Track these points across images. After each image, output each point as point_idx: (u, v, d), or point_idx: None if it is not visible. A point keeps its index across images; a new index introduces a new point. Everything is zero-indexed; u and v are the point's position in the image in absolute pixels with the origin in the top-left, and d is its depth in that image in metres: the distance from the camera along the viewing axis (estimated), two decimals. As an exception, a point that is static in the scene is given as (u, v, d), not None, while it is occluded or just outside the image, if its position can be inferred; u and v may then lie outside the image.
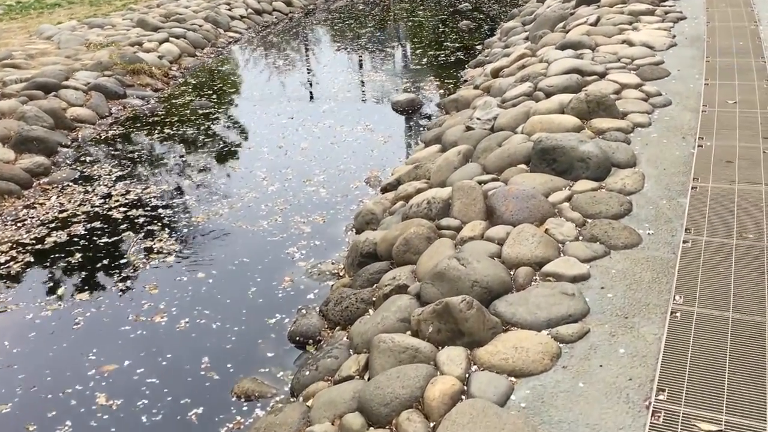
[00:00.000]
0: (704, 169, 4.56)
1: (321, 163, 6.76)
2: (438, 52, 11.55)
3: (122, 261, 5.06)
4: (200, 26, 13.91)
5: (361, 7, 17.96)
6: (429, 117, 8.17)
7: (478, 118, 6.20)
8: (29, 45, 11.87)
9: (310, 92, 9.57)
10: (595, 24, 8.41)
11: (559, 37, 8.39)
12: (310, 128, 7.92)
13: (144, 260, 5.03)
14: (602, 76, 6.45)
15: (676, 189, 4.32)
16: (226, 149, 7.36)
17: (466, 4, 16.36)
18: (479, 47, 11.72)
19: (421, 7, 16.94)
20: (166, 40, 12.23)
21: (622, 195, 4.30)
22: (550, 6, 11.56)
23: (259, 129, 8.04)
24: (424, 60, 11.07)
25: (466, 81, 9.54)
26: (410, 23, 14.85)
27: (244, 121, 8.41)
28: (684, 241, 3.76)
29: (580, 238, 3.90)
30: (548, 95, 6.16)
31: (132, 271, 4.89)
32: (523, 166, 4.93)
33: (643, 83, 6.18)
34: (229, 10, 15.67)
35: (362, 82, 9.89)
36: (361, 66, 11.01)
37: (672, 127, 5.24)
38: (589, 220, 4.07)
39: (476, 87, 8.20)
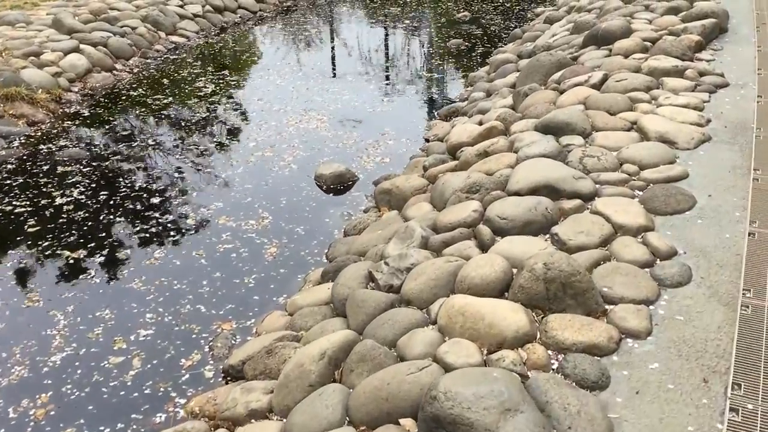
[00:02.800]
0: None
1: (160, 299, 4.65)
2: (408, 87, 9.37)
3: None
4: (133, 29, 11.80)
5: (344, 9, 15.73)
6: (357, 205, 6.03)
7: (386, 263, 4.05)
8: None
9: (221, 147, 7.44)
10: (599, 86, 6.20)
11: (548, 102, 6.20)
12: (180, 218, 5.81)
13: None
14: (588, 199, 4.29)
15: None
16: (37, 257, 5.25)
17: (465, 14, 14.07)
18: (463, 81, 9.51)
19: (412, 14, 14.68)
20: (76, 50, 10.13)
21: None
22: (555, 36, 9.31)
23: (113, 217, 5.90)
24: (386, 99, 8.89)
25: (427, 141, 7.38)
26: (392, 36, 12.61)
27: (104, 196, 6.28)
28: None
29: None
30: (497, 233, 4.05)
31: None
32: (408, 424, 2.80)
33: (649, 225, 3.99)
34: (182, 7, 13.54)
35: (294, 131, 7.75)
36: (303, 102, 8.86)
37: (687, 344, 3.09)
38: None
39: (425, 170, 6.03)
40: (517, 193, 4.40)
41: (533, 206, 4.09)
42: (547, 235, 4.00)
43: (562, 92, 6.46)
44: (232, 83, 9.69)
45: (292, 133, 7.76)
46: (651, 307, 3.34)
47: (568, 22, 10.05)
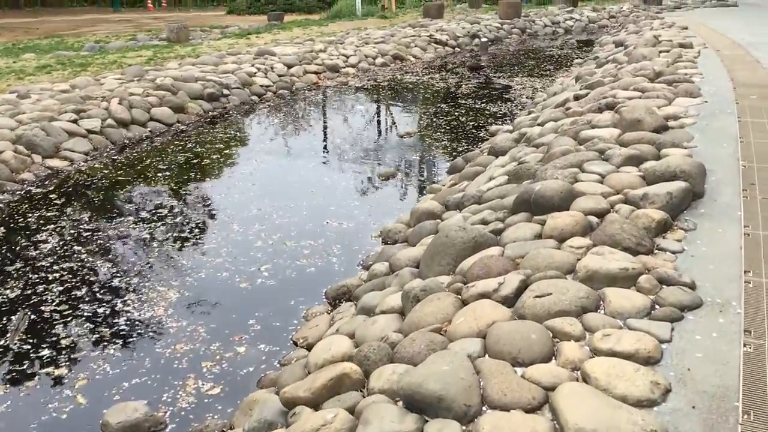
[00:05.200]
0: None
1: None
2: (306, 243, 7.56)
3: None
4: (-3, 154, 10.09)
5: (277, 120, 14.20)
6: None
7: None
8: None
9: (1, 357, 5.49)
10: (512, 300, 4.40)
11: (438, 324, 4.40)
12: None
13: None
14: None
15: None
16: None
17: (410, 131, 12.48)
18: (379, 234, 7.71)
19: (347, 134, 13.11)
20: None
21: None
22: (491, 182, 7.58)
23: None
24: (269, 265, 7.06)
25: (296, 345, 5.48)
26: (312, 164, 10.96)
27: None
28: None
29: None
30: None
31: None
32: None
33: None
34: (75, 122, 11.90)
35: (122, 324, 5.84)
36: (161, 268, 6.99)
37: None
38: None
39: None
40: None
41: None
42: None
43: (464, 302, 4.61)
44: (84, 237, 7.84)
45: (117, 329, 5.84)
46: None
47: (512, 160, 8.37)
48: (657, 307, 4.23)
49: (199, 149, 11.68)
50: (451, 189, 8.37)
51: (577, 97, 10.16)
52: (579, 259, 4.78)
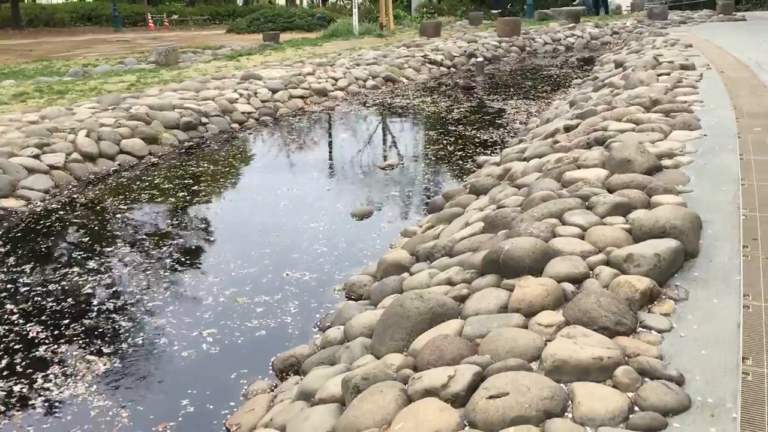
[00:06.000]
0: None
1: None
2: (261, 299, 6.91)
3: None
4: (-57, 196, 9.50)
5: (253, 151, 13.60)
6: None
7: None
8: None
9: None
10: (463, 398, 3.79)
11: (375, 428, 3.66)
12: None
13: None
14: None
15: None
16: None
17: (392, 162, 11.83)
18: (342, 286, 7.04)
19: (324, 163, 12.50)
20: None
21: None
22: (467, 229, 6.91)
23: None
24: (220, 326, 6.40)
25: (226, 435, 4.80)
26: (282, 202, 10.33)
27: None
28: None
29: None
30: None
31: None
32: None
33: None
34: (37, 157, 11.31)
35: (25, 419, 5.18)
36: (92, 334, 6.35)
37: None
38: None
39: None
40: None
41: None
42: None
43: (410, 397, 3.93)
44: (21, 293, 7.20)
45: (30, 414, 5.19)
46: None
47: (491, 202, 7.70)
48: (636, 409, 3.53)
49: (166, 185, 11.07)
50: (425, 235, 7.69)
51: (567, 128, 9.50)
52: (548, 341, 4.09)
